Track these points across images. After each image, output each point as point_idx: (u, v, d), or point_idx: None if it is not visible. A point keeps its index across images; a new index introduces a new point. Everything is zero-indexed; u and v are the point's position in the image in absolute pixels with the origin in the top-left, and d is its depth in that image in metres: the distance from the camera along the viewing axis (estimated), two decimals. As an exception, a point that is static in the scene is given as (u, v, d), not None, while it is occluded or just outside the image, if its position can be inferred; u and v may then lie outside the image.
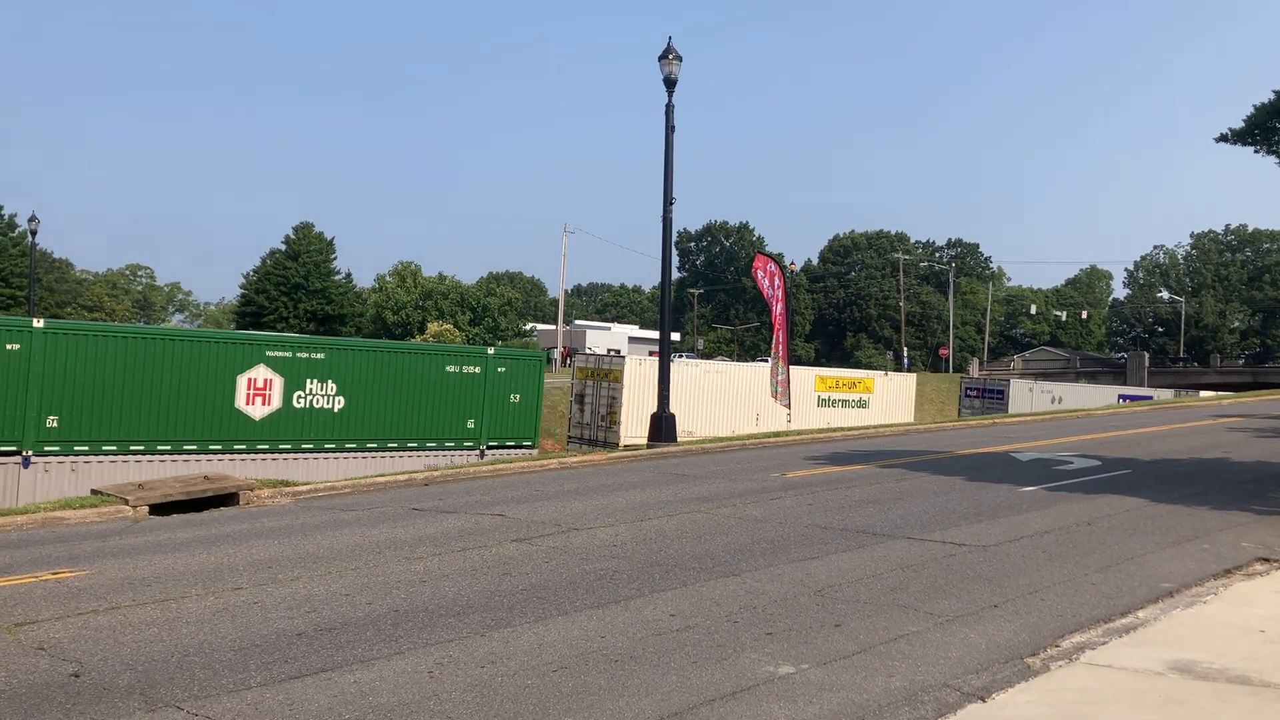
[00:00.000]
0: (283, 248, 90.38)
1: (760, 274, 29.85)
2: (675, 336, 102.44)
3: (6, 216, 79.63)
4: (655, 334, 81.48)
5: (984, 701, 6.28)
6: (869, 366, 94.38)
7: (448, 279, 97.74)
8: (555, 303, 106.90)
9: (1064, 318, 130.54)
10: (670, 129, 24.09)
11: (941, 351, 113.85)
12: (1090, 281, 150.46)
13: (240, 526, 13.30)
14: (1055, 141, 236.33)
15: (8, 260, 76.11)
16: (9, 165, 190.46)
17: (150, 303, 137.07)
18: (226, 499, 15.50)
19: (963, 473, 17.92)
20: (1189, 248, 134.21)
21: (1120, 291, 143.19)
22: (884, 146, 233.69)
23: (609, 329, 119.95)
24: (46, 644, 7.55)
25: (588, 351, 40.57)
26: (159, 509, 14.70)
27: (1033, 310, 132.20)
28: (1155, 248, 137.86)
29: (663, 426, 23.86)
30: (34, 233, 48.63)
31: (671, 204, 24.17)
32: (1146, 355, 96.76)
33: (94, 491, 15.71)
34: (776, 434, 27.15)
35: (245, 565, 10.47)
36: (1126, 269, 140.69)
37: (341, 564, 10.50)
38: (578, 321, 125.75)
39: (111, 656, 7.24)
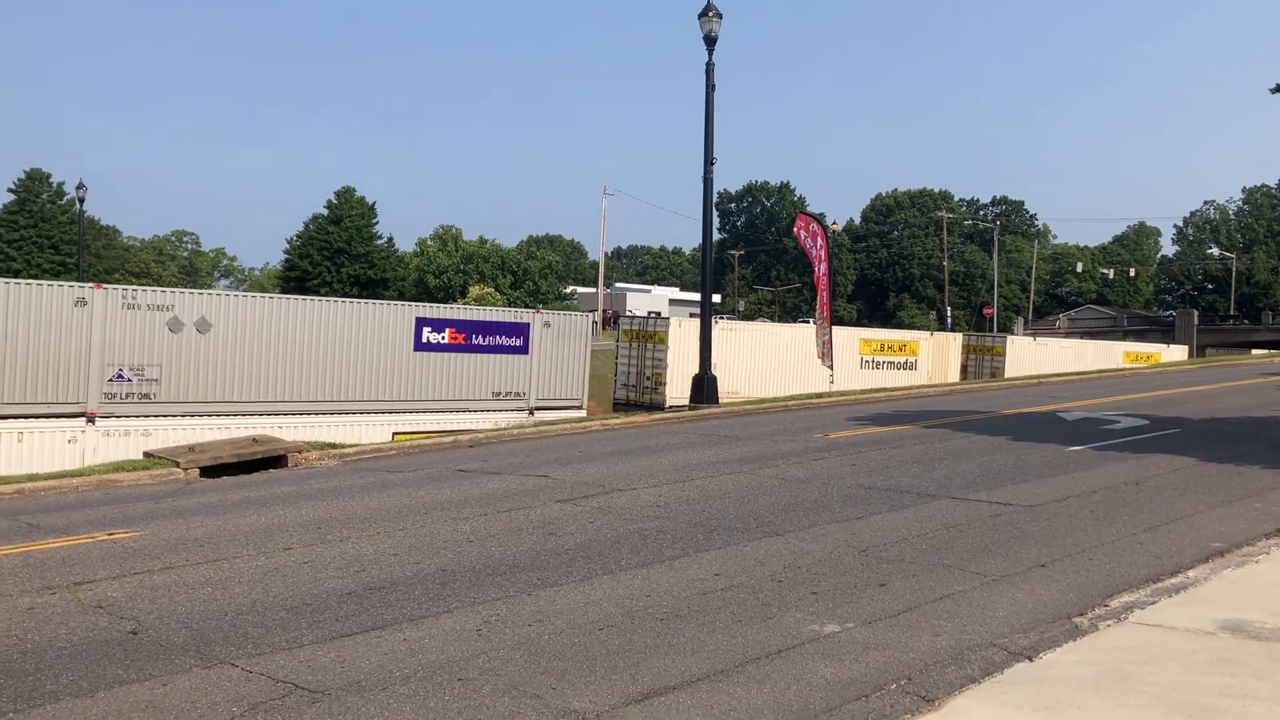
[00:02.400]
0: (325, 212, 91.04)
1: (802, 234, 29.64)
2: (716, 298, 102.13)
3: (55, 184, 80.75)
4: (696, 296, 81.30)
5: (1031, 661, 6.26)
6: (911, 326, 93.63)
7: (488, 243, 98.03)
8: (595, 266, 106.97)
9: (1111, 275, 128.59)
10: (710, 88, 23.88)
11: (986, 311, 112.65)
12: (1138, 238, 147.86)
13: (289, 488, 13.50)
14: (1102, 95, 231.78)
15: (57, 227, 77.29)
16: (57, 133, 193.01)
17: (196, 268, 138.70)
18: (275, 461, 15.72)
19: (1008, 432, 17.77)
20: (1240, 203, 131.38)
21: (1169, 248, 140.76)
22: (926, 102, 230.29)
23: (649, 291, 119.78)
24: (105, 602, 7.73)
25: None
26: (209, 471, 14.95)
27: (1079, 268, 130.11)
28: (1206, 203, 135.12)
29: (704, 388, 23.85)
30: (81, 200, 49.28)
31: (712, 164, 24.01)
32: (1195, 313, 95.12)
33: (146, 454, 16.00)
34: (819, 395, 27.06)
35: (295, 526, 10.64)
36: (1176, 225, 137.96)
37: (389, 524, 10.64)
38: (618, 284, 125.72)
39: (167, 615, 7.40)
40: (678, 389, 30.91)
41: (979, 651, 6.42)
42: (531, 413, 26.25)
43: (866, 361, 38.91)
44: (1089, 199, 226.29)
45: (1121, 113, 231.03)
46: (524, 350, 26.67)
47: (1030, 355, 45.02)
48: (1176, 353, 56.85)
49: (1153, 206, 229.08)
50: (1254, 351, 56.53)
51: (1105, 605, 7.47)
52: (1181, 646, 6.48)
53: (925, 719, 5.41)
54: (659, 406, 30.37)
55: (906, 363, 40.61)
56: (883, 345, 40.24)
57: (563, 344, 27.41)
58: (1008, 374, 41.26)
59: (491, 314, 27.74)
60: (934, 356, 42.14)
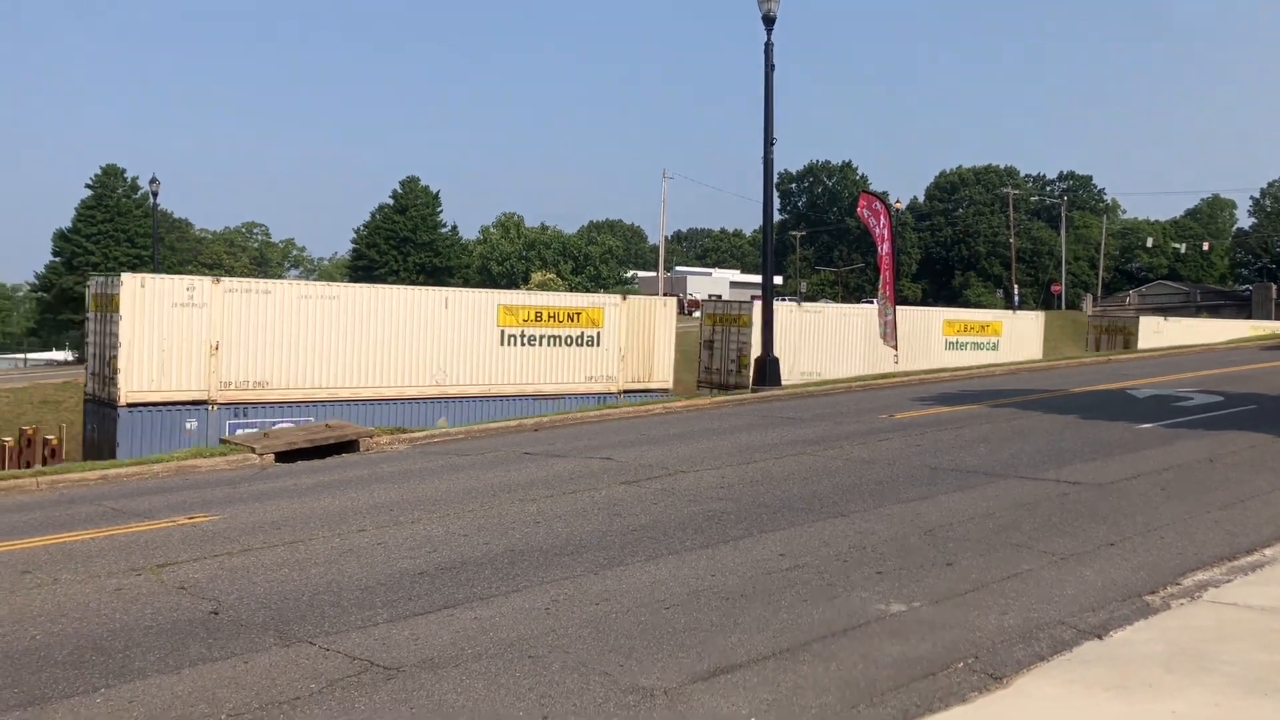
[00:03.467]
0: (391, 202, 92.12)
1: (865, 213, 29.41)
2: (777, 280, 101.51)
3: (129, 179, 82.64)
4: (757, 278, 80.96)
5: (1101, 639, 6.21)
6: (978, 305, 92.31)
7: (549, 229, 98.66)
8: (655, 249, 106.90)
9: (1183, 250, 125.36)
10: (770, 68, 23.73)
11: (1054, 288, 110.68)
12: (1212, 211, 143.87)
13: (361, 472, 13.79)
14: (1171, 64, 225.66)
15: (132, 221, 79.06)
16: (131, 129, 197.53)
17: (266, 259, 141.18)
18: (347, 446, 16.04)
19: (1077, 411, 17.51)
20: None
21: (1245, 221, 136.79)
22: (989, 77, 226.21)
23: (710, 274, 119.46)
24: (186, 584, 7.99)
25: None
26: (283, 456, 15.30)
27: (1149, 243, 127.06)
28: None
29: (767, 370, 23.80)
30: (155, 194, 50.52)
31: (772, 144, 23.89)
32: (1273, 287, 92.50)
33: (222, 441, 16.42)
34: (883, 376, 26.87)
35: (368, 508, 10.87)
36: (1252, 197, 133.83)
37: (458, 506, 10.83)
38: (678, 268, 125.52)
39: (246, 595, 7.63)
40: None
41: (1048, 630, 6.39)
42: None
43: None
44: (1159, 172, 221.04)
45: (1193, 82, 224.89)
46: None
47: (1173, 334, 44.64)
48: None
49: (1227, 178, 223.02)
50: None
51: (1178, 584, 7.38)
52: (1257, 625, 6.40)
53: (994, 697, 5.42)
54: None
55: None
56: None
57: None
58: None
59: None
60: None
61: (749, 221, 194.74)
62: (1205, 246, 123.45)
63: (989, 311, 44.95)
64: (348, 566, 8.40)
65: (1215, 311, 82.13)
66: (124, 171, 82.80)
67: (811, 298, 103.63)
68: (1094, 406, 18.28)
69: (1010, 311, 45.95)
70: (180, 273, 79.57)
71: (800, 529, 9.32)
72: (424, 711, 5.37)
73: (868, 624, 6.61)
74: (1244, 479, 11.22)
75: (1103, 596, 7.08)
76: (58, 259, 78.98)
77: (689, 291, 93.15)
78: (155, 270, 53.46)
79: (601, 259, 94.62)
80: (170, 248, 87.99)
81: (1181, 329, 46.89)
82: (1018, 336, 41.59)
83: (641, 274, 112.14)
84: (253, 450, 15.16)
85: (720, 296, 49.13)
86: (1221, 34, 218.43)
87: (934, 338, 37.52)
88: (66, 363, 68.20)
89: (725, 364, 33.14)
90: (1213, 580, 7.43)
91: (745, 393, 24.07)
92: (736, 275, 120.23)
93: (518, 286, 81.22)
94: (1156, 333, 44.56)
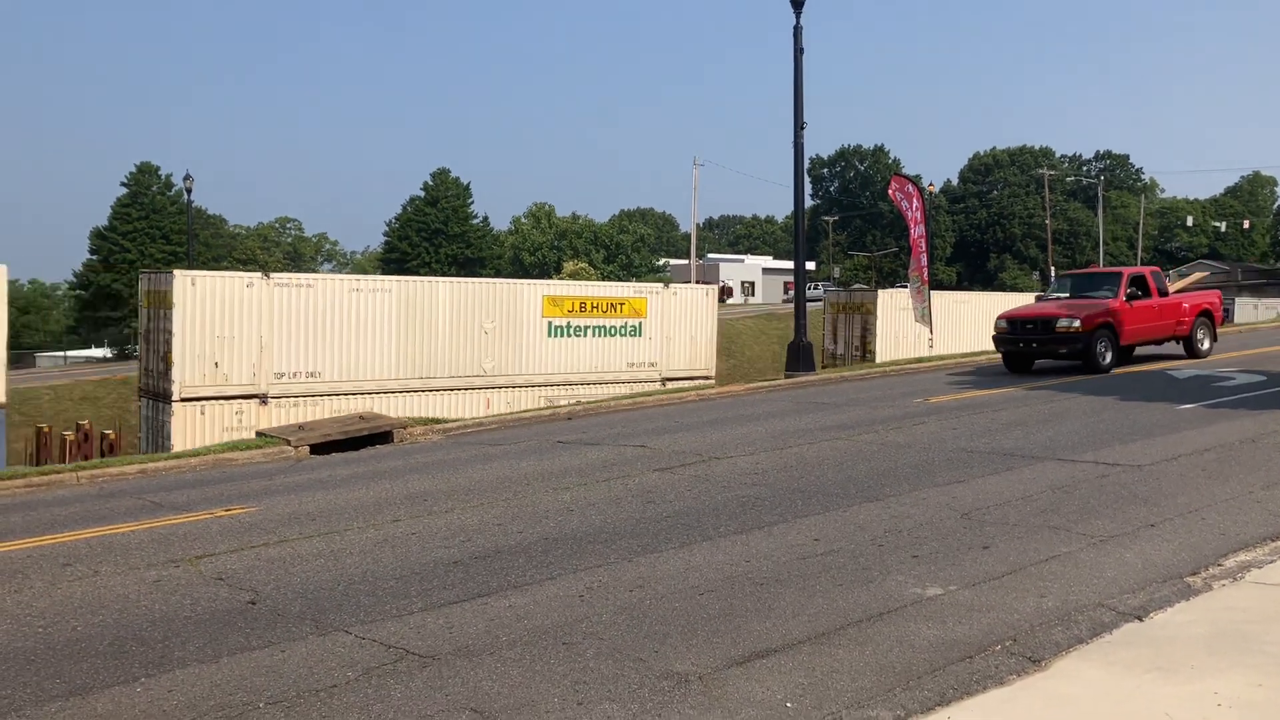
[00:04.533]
0: (422, 194, 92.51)
1: (898, 195, 29.14)
2: (810, 265, 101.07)
3: (164, 176, 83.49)
4: (789, 264, 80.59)
5: (1141, 621, 6.13)
6: (1014, 288, 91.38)
7: (581, 218, 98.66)
8: (687, 237, 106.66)
9: (1223, 228, 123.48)
10: (799, 51, 23.59)
11: (1091, 269, 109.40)
12: (1252, 189, 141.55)
13: (395, 463, 13.86)
14: (1207, 39, 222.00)
15: (167, 218, 79.94)
16: (165, 126, 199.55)
17: (300, 253, 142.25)
18: (381, 437, 16.15)
19: (1115, 392, 17.30)
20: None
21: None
22: (1022, 57, 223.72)
23: (742, 261, 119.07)
24: (225, 574, 8.06)
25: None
26: (318, 448, 15.41)
27: (1189, 222, 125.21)
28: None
29: (800, 355, 23.70)
30: (189, 190, 50.95)
31: (803, 129, 23.76)
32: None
33: (259, 434, 16.56)
34: (919, 359, 26.68)
35: (402, 499, 10.93)
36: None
37: (492, 495, 10.86)
38: (710, 255, 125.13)
39: (283, 585, 7.69)
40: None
41: (1086, 612, 6.31)
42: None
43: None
44: (1198, 150, 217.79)
45: (1230, 57, 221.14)
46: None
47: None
48: None
49: (1268, 154, 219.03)
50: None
51: (1219, 565, 7.27)
52: (1301, 605, 6.28)
53: (1032, 679, 5.36)
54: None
55: None
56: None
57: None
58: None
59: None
60: None
61: (781, 208, 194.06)
62: (1246, 225, 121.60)
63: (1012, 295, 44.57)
64: (383, 556, 8.44)
65: (1258, 291, 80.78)
66: (159, 169, 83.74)
67: (845, 283, 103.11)
68: (1133, 387, 18.04)
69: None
70: (215, 268, 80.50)
71: (835, 514, 9.26)
72: (459, 698, 5.38)
73: (903, 608, 6.56)
74: (1287, 458, 11.02)
75: (1143, 578, 6.99)
76: (95, 257, 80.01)
77: (721, 278, 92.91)
78: (190, 267, 54.04)
79: (633, 247, 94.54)
80: (205, 244, 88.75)
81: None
82: None
83: (673, 262, 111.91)
84: (288, 442, 15.28)
85: (753, 284, 49.23)
86: (1259, 7, 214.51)
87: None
88: (106, 359, 69.13)
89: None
90: (1256, 561, 7.31)
91: (780, 379, 23.98)
92: (769, 262, 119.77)
93: (549, 276, 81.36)
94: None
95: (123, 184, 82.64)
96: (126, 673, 5.96)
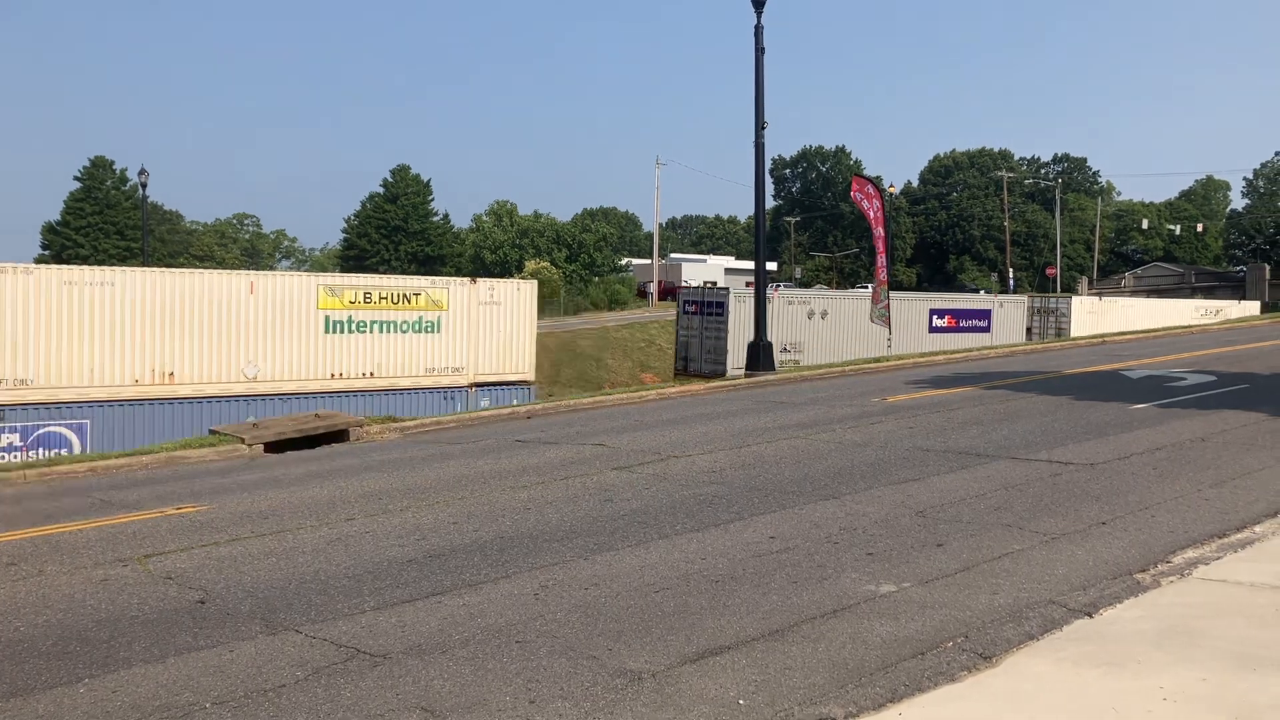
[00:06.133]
0: (382, 191, 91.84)
1: (859, 196, 29.32)
2: (772, 266, 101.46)
3: (119, 171, 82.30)
4: (752, 264, 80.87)
5: (1091, 617, 6.19)
6: (973, 290, 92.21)
7: (543, 217, 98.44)
8: (650, 237, 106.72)
9: (1178, 232, 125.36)
10: (760, 51, 23.63)
11: (1049, 271, 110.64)
12: (1206, 193, 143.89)
13: (351, 461, 13.73)
14: (1163, 45, 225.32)
15: (122, 214, 78.86)
16: (119, 121, 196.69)
17: (258, 250, 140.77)
18: (337, 435, 15.99)
19: (1070, 392, 17.50)
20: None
21: (1239, 202, 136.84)
22: (983, 59, 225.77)
23: (705, 261, 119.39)
24: (174, 574, 7.94)
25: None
26: (273, 446, 15.24)
27: (1144, 225, 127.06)
28: (1277, 153, 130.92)
29: (760, 355, 23.76)
30: (144, 185, 50.23)
31: (763, 129, 23.79)
32: (1267, 267, 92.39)
33: (212, 431, 16.36)
34: (877, 359, 26.84)
35: (357, 497, 10.82)
36: (1245, 178, 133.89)
37: (449, 494, 10.78)
38: (673, 255, 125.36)
39: (234, 585, 7.58)
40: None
41: (1038, 609, 6.36)
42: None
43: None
44: (1154, 154, 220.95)
45: (1186, 62, 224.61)
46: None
47: (1113, 318, 44.54)
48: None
49: (1220, 159, 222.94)
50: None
51: (1168, 561, 7.36)
52: (1247, 601, 6.37)
53: (983, 676, 5.39)
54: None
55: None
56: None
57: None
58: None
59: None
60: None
61: (743, 208, 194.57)
62: (1199, 228, 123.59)
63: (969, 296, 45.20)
64: (336, 555, 8.35)
65: (1210, 293, 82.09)
66: (113, 164, 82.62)
67: (807, 284, 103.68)
68: (1088, 387, 18.26)
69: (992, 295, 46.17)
70: (171, 264, 79.48)
71: (791, 512, 9.28)
72: (410, 698, 5.33)
73: (857, 605, 6.58)
74: (1235, 457, 11.20)
75: (1094, 575, 7.06)
76: (47, 252, 78.77)
77: (684, 278, 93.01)
78: (145, 264, 53.31)
79: (595, 246, 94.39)
80: (160, 240, 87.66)
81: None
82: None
83: (636, 261, 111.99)
84: (242, 440, 15.10)
85: (716, 283, 49.41)
86: (1215, 14, 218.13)
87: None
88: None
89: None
90: (1203, 557, 7.41)
91: (739, 378, 24.03)
92: (731, 262, 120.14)
93: (511, 274, 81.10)
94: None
95: (76, 178, 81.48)
96: (70, 673, 5.85)
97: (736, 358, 31.40)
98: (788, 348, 33.57)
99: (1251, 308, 55.19)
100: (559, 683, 5.44)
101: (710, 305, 34.67)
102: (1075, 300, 45.85)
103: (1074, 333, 40.76)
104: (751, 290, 28.26)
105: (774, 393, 19.93)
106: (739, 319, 32.85)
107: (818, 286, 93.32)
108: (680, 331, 35.94)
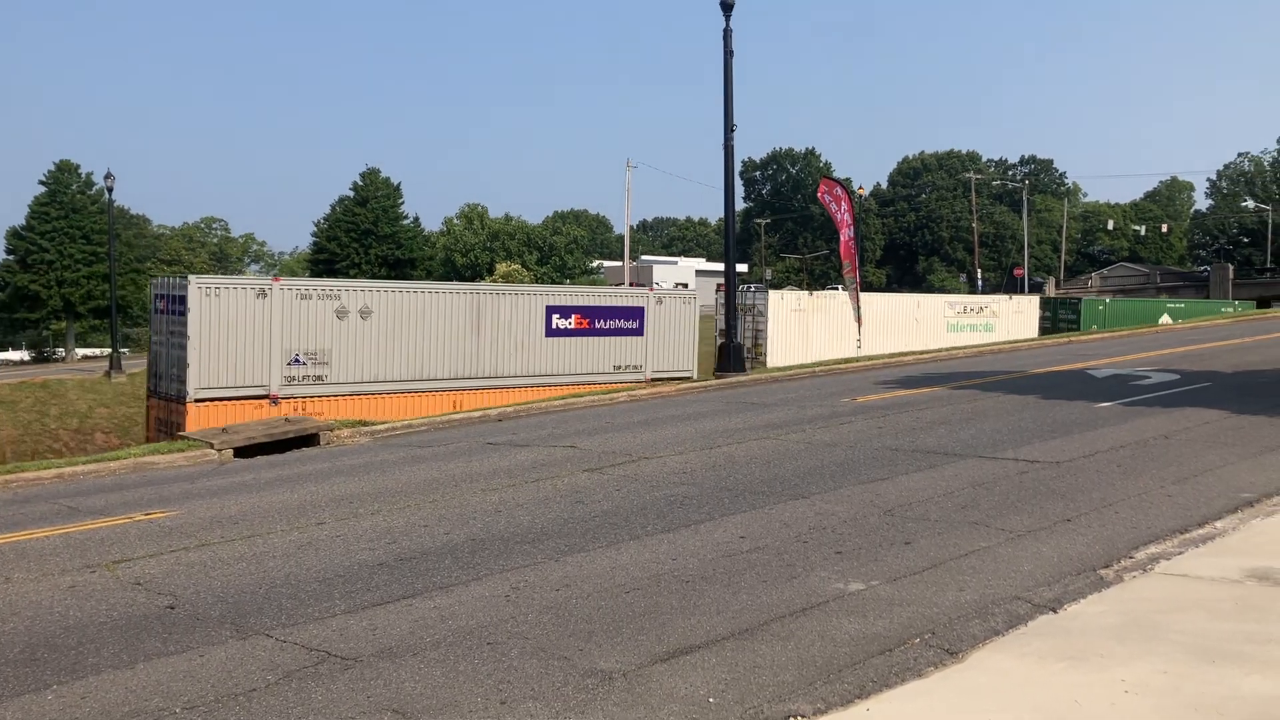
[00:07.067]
0: (351, 194, 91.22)
1: (827, 198, 29.51)
2: (742, 267, 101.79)
3: (84, 175, 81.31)
4: (722, 267, 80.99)
5: (1055, 613, 6.29)
6: (941, 290, 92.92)
7: (514, 219, 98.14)
8: (621, 239, 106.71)
9: (1143, 232, 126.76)
10: (729, 54, 23.73)
11: (1016, 272, 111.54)
12: (1170, 194, 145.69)
13: (321, 465, 13.68)
14: (1129, 48, 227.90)
15: (88, 218, 77.82)
16: (84, 125, 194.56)
17: (226, 254, 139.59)
18: (308, 439, 15.92)
19: (1037, 391, 17.69)
20: (1276, 153, 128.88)
21: (1202, 203, 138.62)
22: (951, 62, 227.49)
23: (676, 263, 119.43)
24: (143, 579, 7.90)
25: (672, 286, 41.74)
26: (243, 451, 15.16)
27: (1110, 226, 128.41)
28: (1240, 155, 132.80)
29: (730, 356, 23.86)
30: (110, 189, 49.69)
31: (733, 131, 23.90)
32: (1230, 267, 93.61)
33: (181, 437, 16.24)
34: (848, 360, 27.01)
35: (327, 501, 10.80)
36: (1209, 179, 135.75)
37: (420, 497, 10.77)
38: (644, 257, 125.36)
39: (203, 590, 7.55)
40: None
41: (1003, 605, 6.45)
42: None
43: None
44: (1119, 155, 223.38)
45: (1150, 65, 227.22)
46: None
47: None
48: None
49: (1185, 160, 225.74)
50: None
51: (1131, 557, 7.47)
52: (1207, 595, 6.49)
53: (949, 671, 5.46)
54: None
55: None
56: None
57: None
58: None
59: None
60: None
61: (714, 210, 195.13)
62: (1164, 229, 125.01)
63: (985, 296, 45.97)
64: (306, 559, 8.33)
65: (1175, 292, 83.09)
66: (78, 167, 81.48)
67: (777, 285, 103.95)
68: (1054, 387, 18.47)
69: (1006, 296, 46.58)
70: (139, 270, 78.56)
71: (761, 511, 9.35)
72: (381, 700, 5.34)
73: (826, 603, 6.64)
74: (1197, 455, 11.37)
75: (1058, 571, 7.16)
76: (11, 257, 77.71)
77: (655, 280, 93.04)
78: (111, 269, 52.76)
79: (567, 249, 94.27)
80: (127, 244, 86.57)
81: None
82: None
83: (608, 263, 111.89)
84: (211, 446, 15.01)
85: (687, 285, 49.51)
86: (1179, 18, 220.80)
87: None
88: (23, 362, 67.16)
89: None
90: (1165, 553, 7.53)
91: (710, 379, 24.11)
92: (702, 264, 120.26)
93: (481, 278, 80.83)
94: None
95: (41, 182, 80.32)
96: (38, 680, 5.82)
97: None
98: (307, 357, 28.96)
99: (1028, 307, 45.26)
100: (530, 683, 5.47)
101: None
102: (774, 297, 35.89)
103: (771, 345, 35.56)
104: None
105: (744, 393, 20.02)
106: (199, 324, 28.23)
107: (789, 288, 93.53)
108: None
